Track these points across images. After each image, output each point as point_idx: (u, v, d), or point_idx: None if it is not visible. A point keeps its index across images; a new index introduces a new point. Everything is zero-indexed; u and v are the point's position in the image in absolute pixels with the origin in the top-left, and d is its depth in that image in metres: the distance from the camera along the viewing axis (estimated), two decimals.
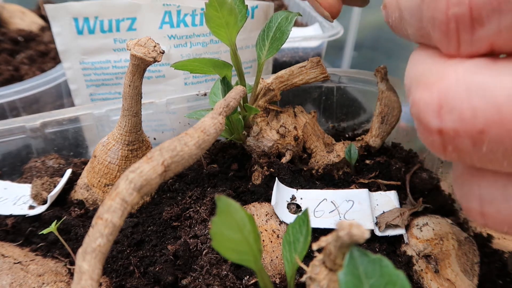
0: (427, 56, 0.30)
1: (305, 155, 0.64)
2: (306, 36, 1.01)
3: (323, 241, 0.29)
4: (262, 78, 0.61)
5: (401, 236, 0.51)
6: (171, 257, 0.48)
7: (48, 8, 0.68)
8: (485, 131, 0.25)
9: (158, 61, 0.49)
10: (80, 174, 0.59)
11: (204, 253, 0.47)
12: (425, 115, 0.28)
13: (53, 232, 0.48)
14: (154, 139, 0.70)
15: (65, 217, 0.53)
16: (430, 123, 0.28)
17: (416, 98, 0.28)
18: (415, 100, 0.29)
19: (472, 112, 0.25)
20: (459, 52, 0.27)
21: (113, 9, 0.68)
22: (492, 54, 0.27)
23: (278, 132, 0.60)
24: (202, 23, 0.70)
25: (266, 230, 0.49)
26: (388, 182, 0.60)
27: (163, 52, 0.49)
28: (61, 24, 0.69)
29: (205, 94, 0.69)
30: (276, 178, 0.56)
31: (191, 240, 0.49)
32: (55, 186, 0.58)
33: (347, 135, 0.75)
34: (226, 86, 0.54)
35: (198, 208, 0.52)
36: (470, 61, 0.27)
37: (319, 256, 0.31)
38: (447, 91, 0.26)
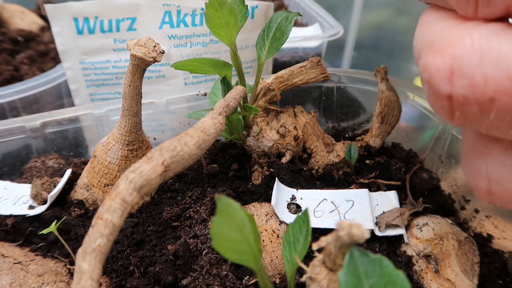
0: (440, 18, 0.30)
1: (305, 155, 0.64)
2: (306, 36, 1.01)
3: (323, 241, 0.29)
4: (262, 78, 0.61)
5: (401, 236, 0.51)
6: (171, 257, 0.47)
7: (48, 8, 0.68)
8: (495, 99, 0.25)
9: (158, 61, 0.49)
10: (80, 174, 0.59)
11: (204, 253, 0.47)
12: (436, 80, 0.27)
13: (53, 232, 0.48)
14: (154, 139, 0.70)
15: (65, 217, 0.53)
16: (440, 88, 0.27)
17: (428, 62, 0.28)
18: (427, 65, 0.28)
19: (484, 79, 0.25)
20: (476, 14, 0.27)
21: (113, 9, 0.68)
22: (508, 17, 0.27)
23: (278, 132, 0.60)
24: (202, 23, 0.70)
25: (266, 230, 0.49)
26: (388, 182, 0.60)
27: (163, 52, 0.49)
28: (61, 24, 0.69)
29: (205, 94, 0.69)
30: (276, 178, 0.56)
31: (191, 240, 0.49)
32: (55, 186, 0.58)
33: (347, 135, 0.75)
34: (226, 86, 0.54)
35: (198, 208, 0.52)
36: (486, 26, 0.26)
37: (319, 256, 0.31)
38: (460, 56, 0.26)
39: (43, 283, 0.45)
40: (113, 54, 0.73)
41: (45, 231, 0.48)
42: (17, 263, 0.47)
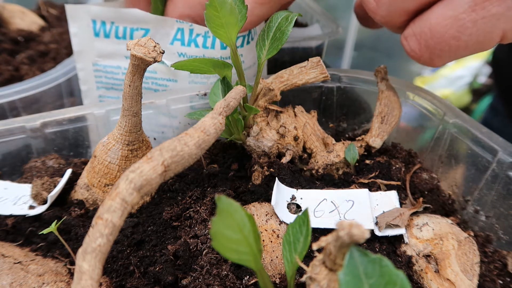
0: None
1: (305, 155, 0.64)
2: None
3: (323, 241, 0.29)
4: (262, 78, 0.61)
5: (401, 236, 0.51)
6: (171, 257, 0.48)
7: (68, 8, 0.68)
8: None
9: (158, 61, 0.48)
10: (80, 174, 0.59)
11: (204, 253, 0.47)
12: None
13: (53, 232, 0.48)
14: (154, 139, 0.70)
15: (65, 217, 0.53)
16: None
17: None
18: None
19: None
20: None
21: (128, 17, 0.68)
22: None
23: (278, 132, 0.60)
24: (213, 47, 0.69)
25: (266, 230, 0.49)
26: (388, 182, 0.60)
27: (163, 52, 0.49)
28: (78, 24, 0.69)
29: (205, 94, 0.69)
30: (276, 178, 0.56)
31: (191, 240, 0.49)
32: (55, 186, 0.58)
33: (347, 135, 0.75)
34: (226, 86, 0.54)
35: (198, 208, 0.52)
36: None
37: (319, 256, 0.31)
38: None
39: (43, 283, 0.45)
40: (125, 61, 0.73)
41: (45, 231, 0.48)
42: (17, 263, 0.47)
